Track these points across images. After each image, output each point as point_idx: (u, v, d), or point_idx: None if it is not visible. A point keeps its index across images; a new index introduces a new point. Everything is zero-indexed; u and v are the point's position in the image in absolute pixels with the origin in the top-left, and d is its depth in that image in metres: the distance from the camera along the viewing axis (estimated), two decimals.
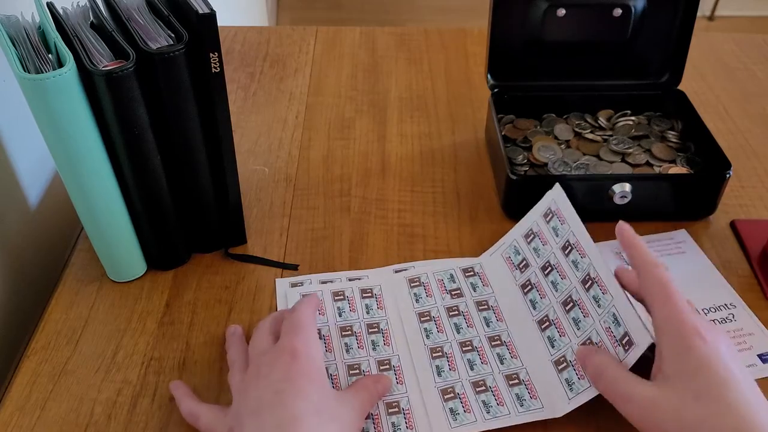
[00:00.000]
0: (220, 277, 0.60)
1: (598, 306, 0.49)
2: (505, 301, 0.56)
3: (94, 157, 0.51)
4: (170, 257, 0.61)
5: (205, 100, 0.52)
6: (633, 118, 0.73)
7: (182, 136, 0.53)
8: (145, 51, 0.48)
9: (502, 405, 0.49)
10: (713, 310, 0.57)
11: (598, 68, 0.73)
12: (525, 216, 0.59)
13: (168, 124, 0.52)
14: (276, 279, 0.60)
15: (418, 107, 0.82)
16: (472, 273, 0.59)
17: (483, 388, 0.50)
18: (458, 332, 0.54)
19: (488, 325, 0.55)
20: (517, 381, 0.50)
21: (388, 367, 0.52)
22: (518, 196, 0.64)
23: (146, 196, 0.55)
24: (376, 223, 0.66)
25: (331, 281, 0.59)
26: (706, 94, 0.84)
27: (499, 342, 0.53)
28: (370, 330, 0.55)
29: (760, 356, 0.53)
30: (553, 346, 0.51)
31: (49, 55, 0.48)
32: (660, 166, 0.68)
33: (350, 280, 0.59)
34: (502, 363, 0.52)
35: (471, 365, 0.52)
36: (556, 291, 0.53)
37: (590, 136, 0.72)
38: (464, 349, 0.53)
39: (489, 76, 0.72)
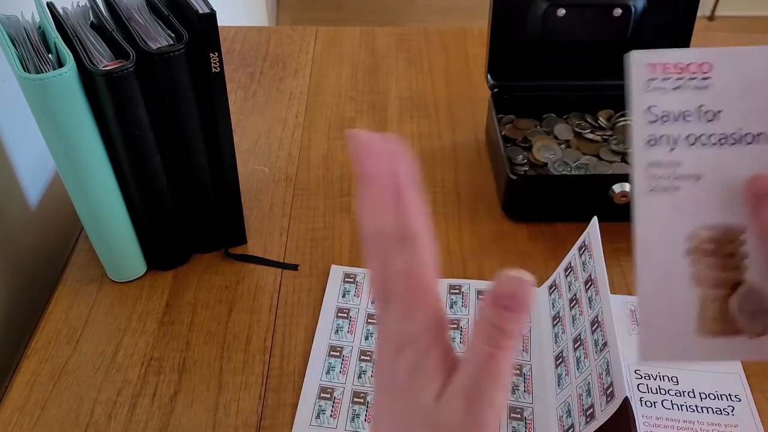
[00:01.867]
0: (220, 277, 0.60)
1: (597, 350, 0.48)
2: (535, 334, 0.55)
3: (94, 157, 0.51)
4: (170, 257, 0.61)
5: (205, 100, 0.52)
6: None
7: (182, 136, 0.53)
8: (145, 51, 0.48)
9: None
10: (712, 396, 0.51)
11: (598, 68, 0.73)
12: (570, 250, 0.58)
13: (168, 124, 0.52)
14: (332, 265, 0.61)
15: (418, 107, 0.82)
16: None
17: None
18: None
19: None
20: (519, 416, 0.50)
21: None
22: (518, 196, 0.64)
23: (146, 196, 0.55)
24: None
25: None
26: None
27: (518, 372, 0.53)
28: None
29: None
30: (559, 385, 0.51)
31: (49, 55, 0.48)
32: None
33: None
34: (513, 393, 0.51)
35: None
36: (573, 327, 0.52)
37: (590, 136, 0.72)
38: None
39: (489, 76, 0.72)
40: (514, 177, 0.63)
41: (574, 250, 0.56)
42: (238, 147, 0.74)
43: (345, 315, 0.56)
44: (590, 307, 0.51)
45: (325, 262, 0.61)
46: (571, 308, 0.53)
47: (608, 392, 0.44)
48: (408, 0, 2.86)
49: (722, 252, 0.33)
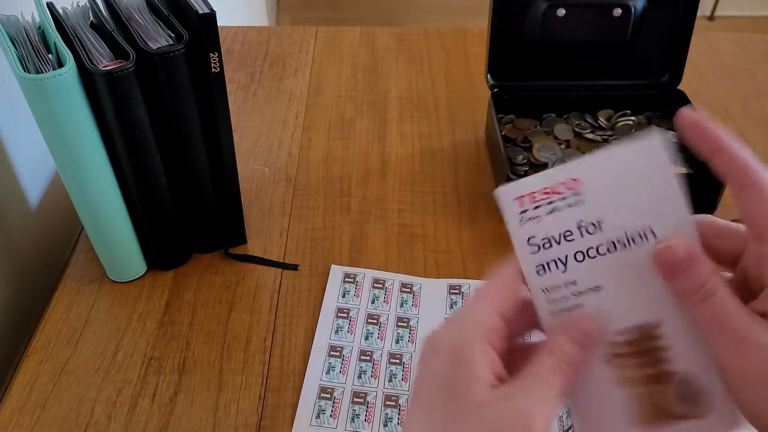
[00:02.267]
0: (220, 277, 0.60)
1: None
2: None
3: (94, 157, 0.51)
4: (170, 257, 0.61)
5: (205, 100, 0.52)
6: (633, 118, 0.73)
7: (182, 136, 0.53)
8: (145, 51, 0.48)
9: None
10: None
11: (598, 68, 0.73)
12: None
13: (168, 124, 0.52)
14: (332, 265, 0.61)
15: (418, 107, 0.82)
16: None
17: None
18: None
19: None
20: None
21: (398, 362, 0.53)
22: None
23: (146, 196, 0.55)
24: (376, 223, 0.66)
25: (384, 280, 0.60)
26: (706, 94, 0.84)
27: None
28: (399, 324, 0.56)
29: None
30: None
31: (49, 55, 0.48)
32: None
33: (403, 284, 0.60)
34: None
35: None
36: None
37: (590, 136, 0.72)
38: None
39: (489, 76, 0.72)
40: (514, 177, 0.63)
41: None
42: (238, 147, 0.74)
43: (345, 315, 0.56)
44: None
45: (325, 262, 0.61)
46: None
47: None
48: (408, 0, 2.86)
49: (642, 350, 0.32)
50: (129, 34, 0.50)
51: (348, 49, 0.92)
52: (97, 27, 0.52)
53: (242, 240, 0.63)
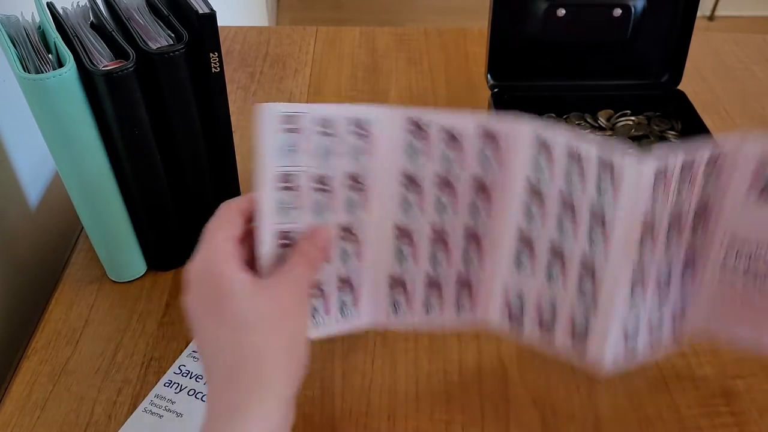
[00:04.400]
0: None
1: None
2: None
3: (94, 157, 0.51)
4: (170, 257, 0.61)
5: (205, 100, 0.52)
6: (633, 118, 0.73)
7: (182, 136, 0.53)
8: (145, 51, 0.48)
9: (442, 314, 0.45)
10: None
11: (598, 68, 0.73)
12: None
13: (168, 124, 0.52)
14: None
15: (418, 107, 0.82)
16: (494, 139, 0.42)
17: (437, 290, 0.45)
18: (439, 215, 0.43)
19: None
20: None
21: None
22: None
23: (146, 196, 0.55)
24: None
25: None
26: (706, 94, 0.84)
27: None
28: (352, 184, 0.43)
29: None
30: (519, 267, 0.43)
31: (49, 55, 0.48)
32: None
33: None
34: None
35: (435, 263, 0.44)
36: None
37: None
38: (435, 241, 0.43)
39: (489, 76, 0.73)
40: None
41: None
42: (238, 147, 0.74)
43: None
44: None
45: None
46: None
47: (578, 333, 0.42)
48: (408, 0, 2.86)
49: None
50: (129, 34, 0.50)
51: (348, 49, 0.92)
52: (97, 27, 0.52)
53: None
